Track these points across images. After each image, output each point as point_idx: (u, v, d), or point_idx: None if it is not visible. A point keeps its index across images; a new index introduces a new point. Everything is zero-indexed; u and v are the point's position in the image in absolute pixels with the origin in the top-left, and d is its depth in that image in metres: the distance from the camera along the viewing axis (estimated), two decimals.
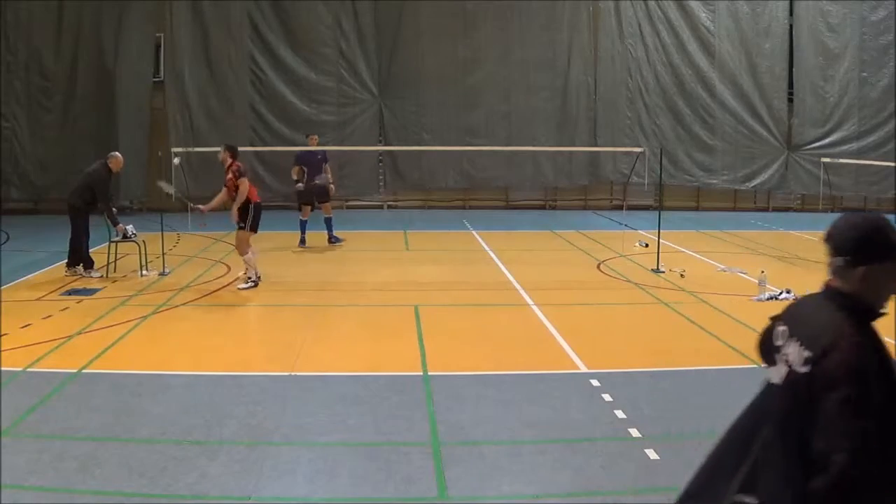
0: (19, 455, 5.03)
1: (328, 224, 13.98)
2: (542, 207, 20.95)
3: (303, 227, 13.90)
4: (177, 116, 18.84)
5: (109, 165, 11.03)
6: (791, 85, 20.81)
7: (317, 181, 13.64)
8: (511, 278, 11.23)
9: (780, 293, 9.88)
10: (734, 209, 21.17)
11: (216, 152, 10.97)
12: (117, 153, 11.34)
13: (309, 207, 13.86)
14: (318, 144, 14.32)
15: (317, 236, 14.20)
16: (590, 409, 6.04)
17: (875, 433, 1.92)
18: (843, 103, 20.83)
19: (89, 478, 4.76)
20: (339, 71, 19.60)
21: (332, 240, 14.03)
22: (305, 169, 13.66)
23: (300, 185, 13.67)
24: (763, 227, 17.86)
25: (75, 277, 10.84)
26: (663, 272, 11.55)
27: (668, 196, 18.99)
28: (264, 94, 19.33)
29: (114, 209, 11.11)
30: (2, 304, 9.10)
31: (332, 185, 14.08)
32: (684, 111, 20.62)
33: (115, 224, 11.00)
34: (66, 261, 11.16)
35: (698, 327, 8.56)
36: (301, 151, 13.94)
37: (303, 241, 13.87)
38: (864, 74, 20.75)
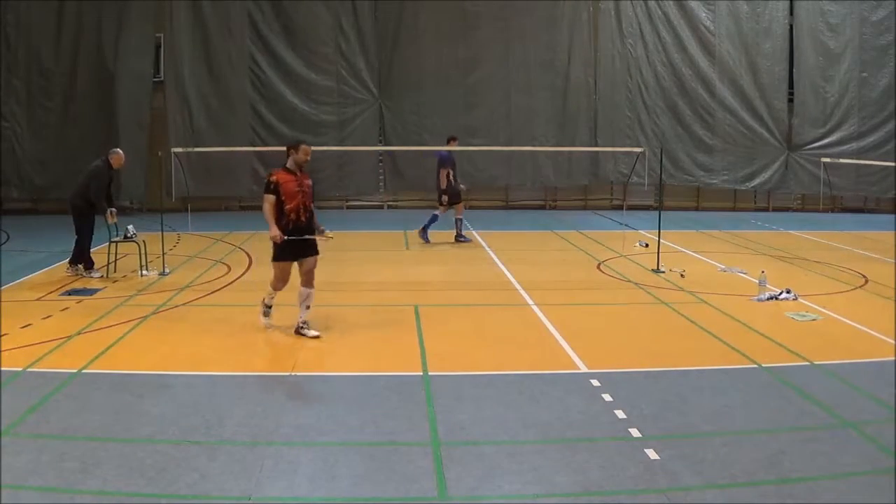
0: (19, 455, 5.03)
1: (458, 224, 14.59)
2: (542, 207, 20.95)
3: (433, 220, 14.47)
4: (177, 116, 18.83)
5: (110, 161, 11.01)
6: (791, 85, 20.80)
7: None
8: (511, 278, 11.23)
9: (780, 293, 9.89)
10: (734, 209, 21.17)
11: (215, 152, 10.69)
12: (119, 150, 11.28)
13: (447, 207, 14.37)
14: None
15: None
16: (590, 409, 6.04)
17: None
18: (843, 103, 20.82)
19: (89, 478, 4.76)
20: (339, 71, 19.61)
21: (460, 238, 14.59)
22: (450, 170, 14.20)
23: (462, 187, 14.51)
24: (763, 227, 17.85)
25: (75, 277, 10.84)
26: (663, 272, 11.54)
27: (668, 196, 19.00)
28: (264, 94, 19.34)
29: (106, 206, 10.91)
30: (2, 304, 9.11)
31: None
32: (684, 111, 20.62)
33: (104, 212, 10.81)
34: (68, 259, 11.13)
35: (698, 327, 8.56)
36: (445, 154, 14.34)
37: (426, 236, 14.46)
38: (864, 74, 20.74)
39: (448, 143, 14.42)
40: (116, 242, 11.14)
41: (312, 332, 8.02)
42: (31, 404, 5.95)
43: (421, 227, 14.52)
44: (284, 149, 8.28)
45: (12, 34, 18.34)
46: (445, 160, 14.25)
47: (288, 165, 8.08)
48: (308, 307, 8.11)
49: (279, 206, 7.91)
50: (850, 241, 15.42)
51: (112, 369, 6.93)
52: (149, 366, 7.05)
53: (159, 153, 14.27)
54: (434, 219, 14.46)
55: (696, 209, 20.99)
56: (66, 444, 5.24)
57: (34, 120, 18.51)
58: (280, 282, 8.22)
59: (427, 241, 14.38)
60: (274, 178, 7.97)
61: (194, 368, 7.02)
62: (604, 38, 20.40)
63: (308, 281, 8.12)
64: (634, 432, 5.55)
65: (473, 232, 15.98)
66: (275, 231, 7.88)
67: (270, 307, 8.41)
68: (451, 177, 14.18)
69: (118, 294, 9.91)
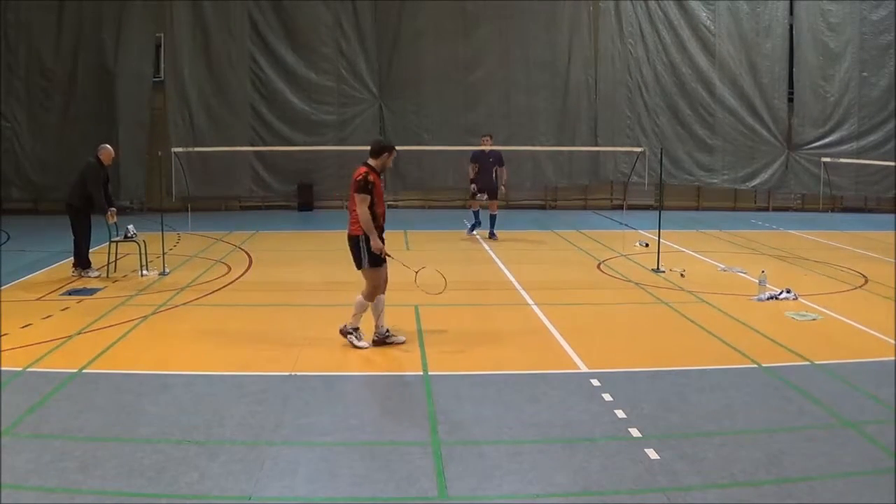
0: (19, 455, 5.03)
1: (492, 220, 15.10)
2: (543, 207, 20.94)
3: (475, 216, 15.25)
4: (177, 116, 18.84)
5: (100, 157, 10.98)
6: (791, 84, 20.79)
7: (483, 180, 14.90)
8: (511, 278, 11.23)
9: (781, 293, 9.89)
10: (734, 209, 21.16)
11: (215, 152, 10.66)
12: (107, 145, 11.26)
13: (477, 202, 15.13)
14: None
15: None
16: (590, 409, 6.04)
17: None
18: (844, 103, 20.81)
19: (89, 478, 4.76)
20: (339, 71, 19.61)
21: (492, 235, 15.12)
22: (477, 167, 14.92)
23: (474, 185, 15.05)
24: (763, 227, 17.85)
25: (76, 277, 10.84)
26: (664, 272, 11.54)
27: (668, 196, 18.99)
28: (264, 94, 19.35)
29: (106, 205, 10.89)
30: (2, 304, 9.11)
31: (502, 187, 15.09)
32: (684, 111, 20.61)
33: (105, 211, 10.86)
34: (72, 260, 11.13)
35: (699, 327, 8.56)
36: (475, 151, 15.11)
37: (472, 229, 15.27)
38: (865, 74, 20.73)
39: (481, 140, 15.12)
40: (117, 242, 11.14)
41: (401, 338, 7.75)
42: (31, 404, 5.95)
43: (488, 232, 15.13)
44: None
45: (12, 34, 18.34)
46: (471, 157, 15.08)
47: (374, 165, 7.53)
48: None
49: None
50: (850, 240, 15.42)
51: (112, 369, 6.93)
52: (149, 366, 7.05)
53: (159, 153, 14.27)
54: (491, 219, 15.05)
55: (697, 209, 20.98)
56: (66, 444, 5.24)
57: (34, 120, 18.51)
58: (378, 289, 7.58)
59: (472, 233, 15.17)
60: (371, 177, 7.39)
61: (194, 368, 7.01)
62: (604, 38, 20.40)
63: (385, 287, 7.72)
64: (634, 432, 5.55)
65: (473, 232, 15.98)
66: (378, 242, 7.38)
67: (358, 328, 7.69)
68: (476, 172, 14.83)
69: (118, 294, 9.91)
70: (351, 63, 19.62)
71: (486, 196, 14.91)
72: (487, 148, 14.86)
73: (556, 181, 20.73)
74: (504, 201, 20.74)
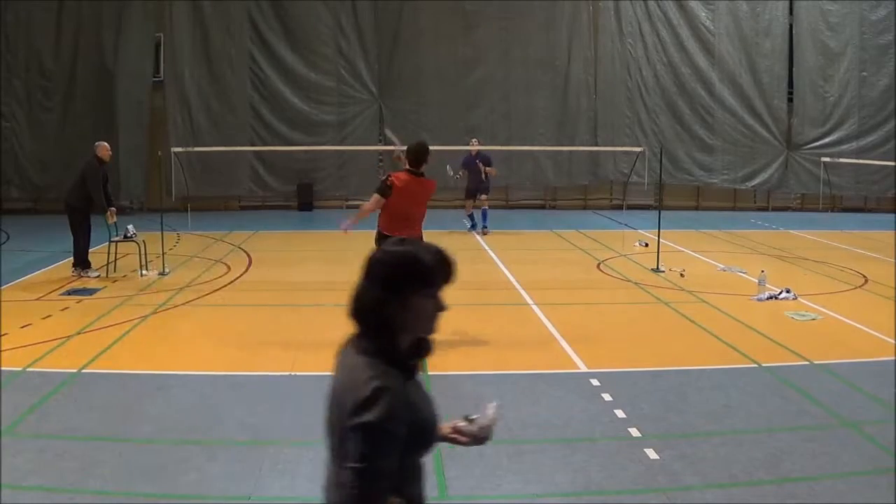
0: (19, 455, 5.03)
1: (482, 215, 15.78)
2: (542, 207, 20.94)
3: (470, 217, 16.03)
4: (177, 116, 18.85)
5: (98, 155, 10.95)
6: (791, 84, 20.78)
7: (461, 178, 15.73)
8: (511, 278, 11.23)
9: (780, 293, 9.89)
10: (734, 209, 21.15)
11: (215, 152, 10.66)
12: (103, 142, 11.21)
13: (470, 201, 15.96)
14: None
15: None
16: (590, 408, 6.04)
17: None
18: (843, 103, 20.80)
19: (89, 478, 4.76)
20: (338, 70, 19.61)
21: (484, 228, 15.74)
22: (466, 171, 15.67)
23: (451, 172, 15.60)
24: (763, 227, 17.85)
25: (75, 277, 10.84)
26: (663, 272, 11.54)
27: (667, 195, 18.98)
28: (264, 94, 19.34)
29: (106, 205, 10.87)
30: (2, 304, 9.11)
31: (488, 171, 15.60)
32: (684, 110, 20.60)
33: (105, 210, 10.83)
34: (71, 260, 11.13)
35: (698, 327, 8.56)
36: (465, 157, 15.82)
37: (472, 227, 15.83)
38: (864, 74, 20.72)
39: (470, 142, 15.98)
40: (116, 242, 11.14)
41: None
42: (31, 404, 5.95)
43: (480, 227, 15.73)
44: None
45: (12, 34, 18.33)
46: (462, 163, 15.69)
47: (413, 171, 7.57)
48: None
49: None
50: (850, 240, 15.42)
51: (112, 369, 6.93)
52: (149, 366, 7.05)
53: (159, 153, 14.27)
54: (483, 213, 15.72)
55: (696, 209, 20.96)
56: (66, 444, 5.24)
57: (34, 120, 18.51)
58: None
59: (470, 230, 15.71)
60: (391, 180, 7.47)
61: (194, 368, 7.02)
62: (604, 38, 20.39)
63: None
64: (634, 432, 5.55)
65: (473, 231, 16.00)
66: (348, 223, 7.86)
67: None
68: (467, 176, 15.58)
69: (118, 294, 9.91)
70: (351, 63, 19.62)
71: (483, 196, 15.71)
72: (475, 149, 15.35)
73: (556, 181, 20.72)
74: (504, 201, 20.89)
